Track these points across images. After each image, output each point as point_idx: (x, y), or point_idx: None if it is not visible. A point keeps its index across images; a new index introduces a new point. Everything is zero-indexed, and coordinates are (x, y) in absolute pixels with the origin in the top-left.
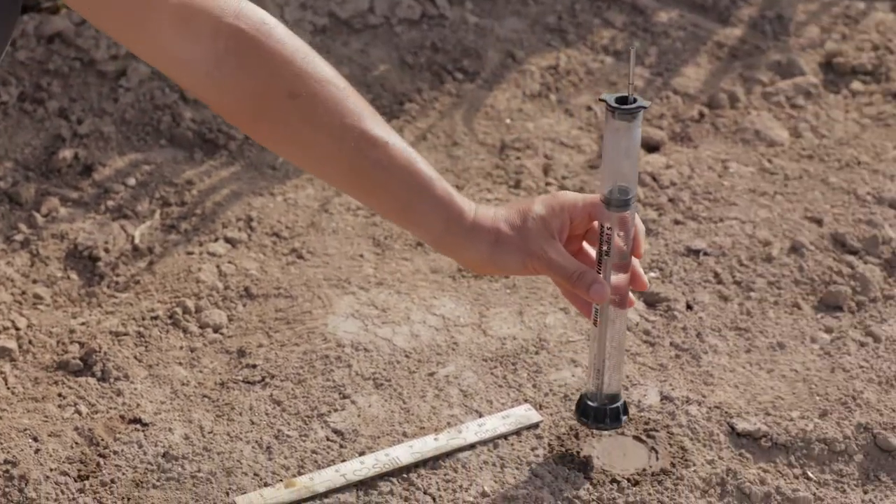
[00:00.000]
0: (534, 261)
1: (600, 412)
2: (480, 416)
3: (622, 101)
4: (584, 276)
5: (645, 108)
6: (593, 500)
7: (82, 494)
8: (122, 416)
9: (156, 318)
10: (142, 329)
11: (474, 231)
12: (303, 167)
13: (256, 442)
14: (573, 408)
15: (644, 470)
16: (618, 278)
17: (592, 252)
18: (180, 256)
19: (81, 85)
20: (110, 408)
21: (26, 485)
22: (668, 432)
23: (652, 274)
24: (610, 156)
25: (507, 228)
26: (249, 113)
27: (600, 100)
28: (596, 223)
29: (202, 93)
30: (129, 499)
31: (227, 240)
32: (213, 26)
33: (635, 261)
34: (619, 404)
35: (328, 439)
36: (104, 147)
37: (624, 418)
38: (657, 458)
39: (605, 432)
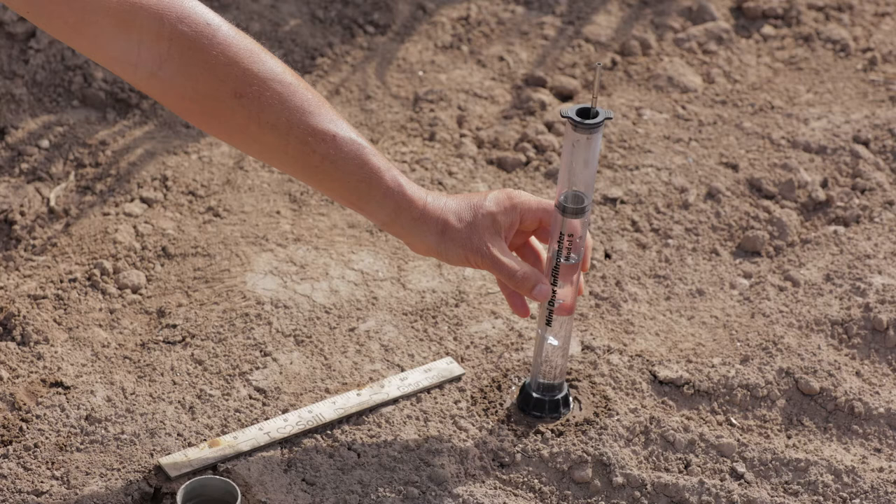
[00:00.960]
0: (477, 257)
1: (540, 403)
2: (402, 370)
3: (584, 112)
4: (528, 278)
5: (609, 118)
6: (518, 451)
7: (6, 460)
8: (43, 380)
9: (74, 280)
10: (60, 292)
11: (422, 220)
12: (254, 157)
13: (179, 402)
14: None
15: (568, 420)
16: (564, 287)
17: (539, 248)
18: (96, 218)
19: None
20: (31, 372)
21: None
22: (590, 382)
23: None
24: (568, 165)
25: (455, 221)
26: (195, 110)
27: (562, 115)
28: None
29: (146, 90)
30: (53, 463)
31: (143, 200)
32: (155, 29)
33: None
34: (560, 395)
35: (251, 398)
36: (16, 109)
37: (564, 410)
38: (580, 408)
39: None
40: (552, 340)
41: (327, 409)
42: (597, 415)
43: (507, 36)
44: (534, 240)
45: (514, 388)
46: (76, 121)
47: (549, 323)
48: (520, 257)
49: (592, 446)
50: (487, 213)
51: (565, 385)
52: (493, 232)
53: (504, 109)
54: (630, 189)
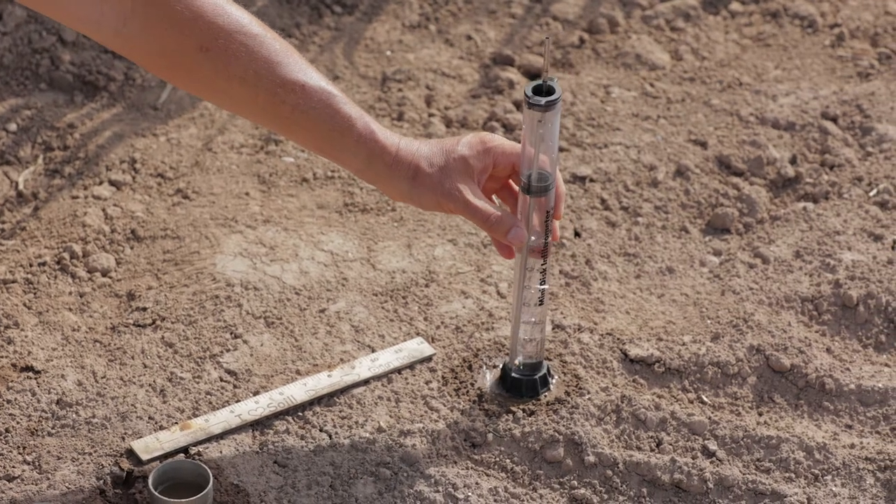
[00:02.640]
0: (449, 202)
1: (518, 382)
2: (373, 351)
3: (540, 89)
4: (502, 222)
5: (558, 99)
6: (490, 431)
7: None
8: (13, 365)
9: (43, 264)
10: (30, 276)
11: (395, 166)
12: (225, 109)
13: (150, 385)
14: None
15: (539, 399)
16: (532, 260)
17: (518, 190)
18: (65, 201)
19: None
20: (1, 356)
21: None
22: (561, 361)
23: None
24: (528, 143)
25: (427, 166)
26: (163, 65)
27: (525, 95)
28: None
29: (112, 47)
30: (24, 447)
31: (112, 182)
32: None
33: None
34: (538, 375)
35: (222, 380)
36: None
37: (544, 389)
38: (551, 387)
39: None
40: (541, 286)
41: (298, 391)
42: (568, 394)
43: (475, 15)
44: (513, 182)
45: (484, 367)
46: (44, 104)
47: (543, 282)
48: (500, 199)
49: (564, 425)
50: (459, 157)
51: (545, 363)
52: (466, 176)
53: (472, 88)
54: (599, 167)
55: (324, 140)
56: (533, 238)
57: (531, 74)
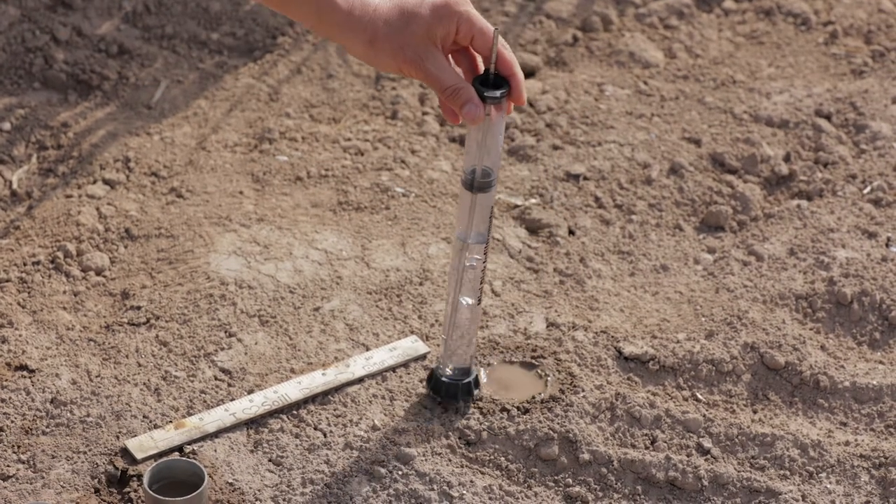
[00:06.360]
0: (410, 67)
1: (451, 387)
2: (367, 349)
3: (486, 81)
4: (459, 93)
5: (495, 98)
6: (484, 429)
7: None
8: (7, 364)
9: (37, 263)
10: (24, 275)
11: (348, 25)
12: None
13: (144, 384)
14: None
15: (533, 397)
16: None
17: (477, 57)
18: (59, 200)
19: None
20: None
21: None
22: (555, 359)
23: (533, 200)
24: (473, 139)
25: (385, 29)
26: None
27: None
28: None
29: None
30: (19, 446)
31: (106, 181)
32: None
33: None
34: (471, 378)
35: (216, 378)
36: None
37: (476, 391)
38: (546, 385)
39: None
40: (466, 300)
41: (293, 390)
42: (562, 391)
43: None
44: (471, 48)
45: (478, 366)
46: (37, 103)
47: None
48: (455, 61)
49: (559, 423)
50: (422, 23)
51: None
52: (428, 42)
53: None
54: (593, 165)
55: None
56: (479, 238)
57: (525, 72)
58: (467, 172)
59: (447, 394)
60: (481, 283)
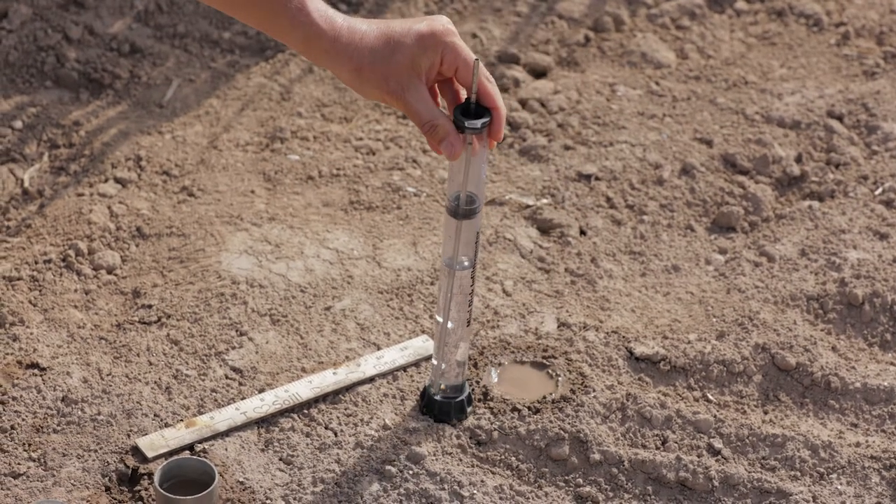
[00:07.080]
0: (391, 98)
1: (445, 406)
2: (378, 348)
3: (467, 110)
4: (437, 129)
5: (475, 128)
6: (495, 429)
7: None
8: (19, 362)
9: (49, 261)
10: (35, 273)
11: (334, 52)
12: None
13: (155, 383)
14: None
15: (544, 397)
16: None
17: (459, 89)
18: (71, 198)
19: None
20: (7, 353)
21: None
22: (566, 359)
23: (544, 200)
24: (455, 167)
25: (371, 58)
26: None
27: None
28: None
29: None
30: (30, 444)
31: (117, 180)
32: None
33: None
34: (464, 396)
35: (227, 377)
36: None
37: (469, 408)
38: (557, 385)
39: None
40: (455, 323)
41: (304, 389)
42: (573, 391)
43: (480, 13)
44: (455, 80)
45: (489, 365)
46: (49, 101)
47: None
48: (439, 90)
49: (569, 423)
50: (408, 52)
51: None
52: (412, 73)
53: None
54: (604, 166)
55: (262, 18)
56: (465, 263)
57: (536, 73)
58: (451, 199)
59: (440, 412)
60: (470, 306)
